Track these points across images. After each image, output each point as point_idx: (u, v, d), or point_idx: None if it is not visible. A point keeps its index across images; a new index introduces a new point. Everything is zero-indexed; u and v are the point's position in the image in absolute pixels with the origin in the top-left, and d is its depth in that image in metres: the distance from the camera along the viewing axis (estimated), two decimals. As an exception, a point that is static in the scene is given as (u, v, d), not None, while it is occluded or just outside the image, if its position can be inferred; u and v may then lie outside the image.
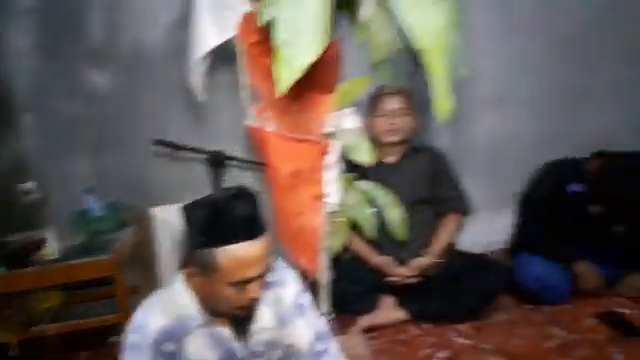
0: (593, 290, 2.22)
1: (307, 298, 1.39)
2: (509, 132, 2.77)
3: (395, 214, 1.71)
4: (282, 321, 1.34)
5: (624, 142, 2.41)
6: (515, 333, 2.07)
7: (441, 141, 2.70)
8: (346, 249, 2.26)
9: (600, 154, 2.24)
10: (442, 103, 0.97)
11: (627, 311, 2.13)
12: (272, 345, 1.34)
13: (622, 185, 2.09)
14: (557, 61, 2.72)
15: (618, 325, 2.03)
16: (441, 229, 2.30)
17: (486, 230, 2.71)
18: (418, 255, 2.24)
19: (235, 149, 2.14)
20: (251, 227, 1.17)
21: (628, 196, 2.06)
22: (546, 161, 2.43)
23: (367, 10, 1.15)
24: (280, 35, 1.03)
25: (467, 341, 2.05)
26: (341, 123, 1.48)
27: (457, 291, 2.16)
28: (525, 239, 2.38)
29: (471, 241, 2.56)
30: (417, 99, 2.33)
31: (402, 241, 2.11)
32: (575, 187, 2.25)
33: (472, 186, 2.74)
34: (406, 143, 2.34)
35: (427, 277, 2.22)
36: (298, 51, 1.04)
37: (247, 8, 1.22)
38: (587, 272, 2.22)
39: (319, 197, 1.48)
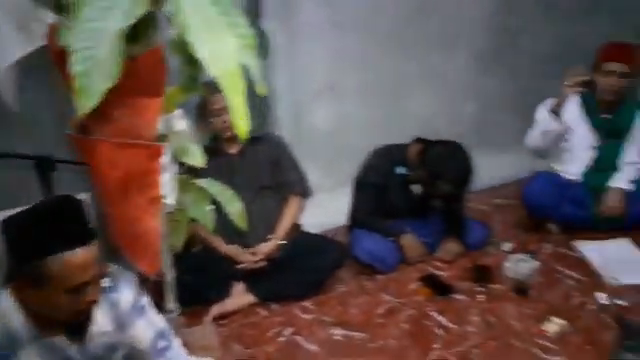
0: (417, 258, 2.54)
1: (144, 299, 1.44)
2: (344, 120, 3.00)
3: (234, 207, 1.79)
4: (121, 324, 1.37)
5: (441, 127, 2.77)
6: (352, 303, 2.31)
7: (283, 129, 2.85)
8: (194, 241, 2.33)
9: (418, 140, 2.54)
10: (240, 124, 1.06)
11: (444, 273, 2.49)
12: (112, 348, 1.37)
13: (436, 167, 2.40)
14: (382, 54, 2.99)
15: (436, 286, 2.37)
16: (284, 213, 2.44)
17: (327, 210, 2.94)
18: (265, 240, 2.37)
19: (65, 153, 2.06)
20: (79, 233, 1.18)
21: (441, 177, 2.38)
22: (375, 146, 2.69)
23: (168, 35, 1.20)
24: (75, 66, 1.04)
25: (310, 316, 2.24)
26: (171, 126, 1.51)
27: (299, 270, 2.32)
28: (358, 217, 2.62)
29: (314, 222, 2.76)
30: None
31: (249, 229, 2.22)
32: (401, 169, 2.53)
33: (313, 170, 2.94)
34: None
35: (274, 260, 2.36)
36: (94, 80, 1.06)
37: (53, 19, 1.20)
38: (411, 243, 2.53)
39: (155, 200, 1.50)
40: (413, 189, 2.54)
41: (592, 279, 2.34)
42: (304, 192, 2.51)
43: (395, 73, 3.00)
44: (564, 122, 2.59)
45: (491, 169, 3.35)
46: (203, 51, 1.03)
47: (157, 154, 1.48)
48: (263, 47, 2.73)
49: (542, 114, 2.62)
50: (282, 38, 2.74)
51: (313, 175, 2.95)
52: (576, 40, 3.42)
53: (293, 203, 2.47)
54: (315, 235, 2.52)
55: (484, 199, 3.20)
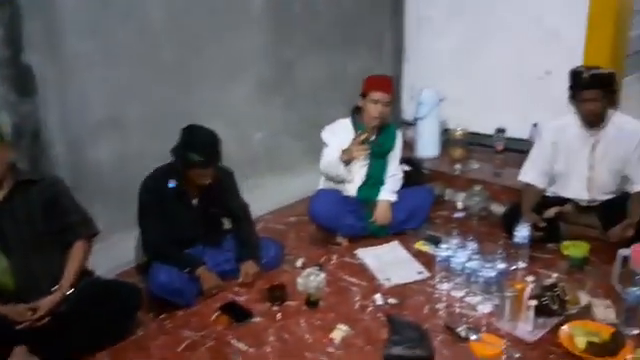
0: (214, 289, 2.57)
1: None
2: (130, 153, 2.90)
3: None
4: None
5: (232, 153, 2.86)
6: (151, 346, 2.25)
7: (62, 169, 2.65)
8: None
9: None
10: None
11: (243, 298, 2.57)
12: None
13: (184, 138, 2.49)
14: (166, 85, 2.98)
15: (235, 313, 2.43)
16: (69, 259, 2.25)
17: (121, 250, 2.82)
18: (48, 293, 2.17)
19: None
20: None
21: (189, 147, 2.46)
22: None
23: None
24: None
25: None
26: None
27: (91, 320, 2.17)
28: (151, 248, 2.58)
29: (109, 265, 2.63)
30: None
31: (30, 283, 2.02)
32: (173, 183, 2.55)
33: (102, 209, 2.79)
34: (10, 177, 2.15)
35: (60, 314, 2.17)
36: None
37: None
38: (207, 274, 2.56)
39: None
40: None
41: (371, 283, 2.64)
42: (89, 234, 2.34)
43: (180, 103, 3.01)
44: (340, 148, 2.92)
45: (283, 190, 3.59)
46: None
47: None
48: (28, 83, 2.51)
49: (331, 157, 2.90)
50: (51, 72, 2.56)
51: (103, 215, 2.81)
52: (345, 70, 3.86)
53: (78, 248, 2.29)
54: (107, 280, 2.40)
55: (279, 219, 3.41)
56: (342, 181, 3.02)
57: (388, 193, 3.07)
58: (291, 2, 3.54)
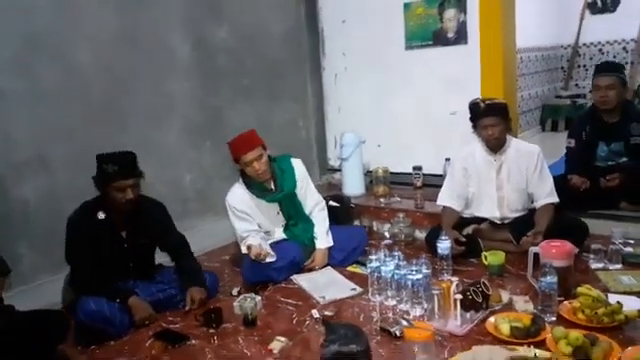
0: (146, 319, 2.52)
1: None
2: (57, 192, 2.86)
3: None
4: None
5: (164, 193, 2.90)
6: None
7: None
8: None
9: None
10: None
11: (178, 326, 2.52)
12: None
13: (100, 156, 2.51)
14: (94, 124, 3.03)
15: (169, 338, 2.38)
16: None
17: (47, 291, 2.70)
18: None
19: None
20: None
21: (104, 160, 2.48)
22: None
23: None
24: None
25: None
26: None
27: (10, 357, 2.04)
28: (79, 284, 2.50)
29: (32, 306, 2.49)
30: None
31: None
32: (101, 214, 2.53)
33: (28, 250, 2.70)
34: None
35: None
36: None
37: None
38: (138, 304, 2.51)
39: None
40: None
41: (306, 302, 2.69)
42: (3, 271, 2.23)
43: (109, 143, 3.01)
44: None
45: (215, 232, 3.62)
46: None
47: None
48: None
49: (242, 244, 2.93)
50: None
51: (28, 256, 2.72)
52: (271, 118, 4.08)
53: None
54: (27, 312, 2.26)
55: (213, 258, 3.43)
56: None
57: (324, 239, 3.11)
58: (216, 55, 3.76)
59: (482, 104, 2.99)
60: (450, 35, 3.95)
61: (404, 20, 4.13)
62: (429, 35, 4.03)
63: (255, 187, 2.98)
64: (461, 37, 3.90)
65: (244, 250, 2.89)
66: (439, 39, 4.00)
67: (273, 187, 3.02)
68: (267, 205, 3.03)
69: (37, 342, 2.12)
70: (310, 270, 3.05)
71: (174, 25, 3.47)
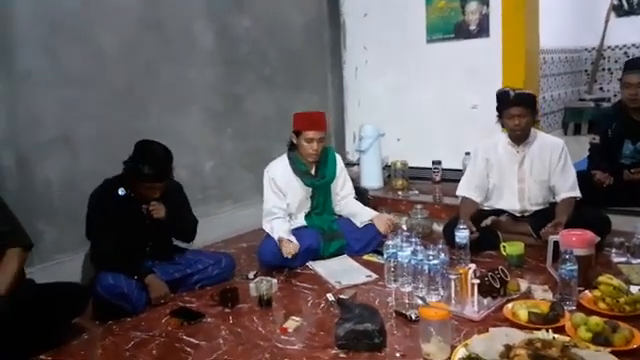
0: (162, 297, 2.55)
1: None
2: (79, 172, 2.91)
3: None
4: None
5: (185, 179, 2.95)
6: (97, 346, 2.19)
7: (8, 181, 2.63)
8: None
9: None
10: None
11: (194, 305, 2.54)
12: None
13: (137, 152, 2.55)
14: (117, 108, 3.07)
15: (187, 315, 2.40)
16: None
17: (67, 270, 2.75)
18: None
19: None
20: None
21: (141, 161, 2.51)
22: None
23: None
24: None
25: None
26: None
27: (28, 325, 2.08)
28: (100, 258, 2.54)
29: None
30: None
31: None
32: (122, 190, 2.57)
33: (49, 227, 2.75)
34: None
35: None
36: None
37: None
38: (155, 282, 2.54)
39: None
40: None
41: (322, 286, 2.69)
42: (20, 242, 2.26)
43: (131, 126, 3.07)
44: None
45: (234, 220, 3.64)
46: None
47: None
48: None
49: (270, 229, 2.96)
50: (0, 87, 2.61)
51: (49, 233, 2.77)
52: (292, 108, 4.08)
53: (11, 256, 2.20)
54: (48, 285, 2.30)
55: (231, 245, 3.45)
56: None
57: (368, 211, 3.18)
58: (238, 44, 3.79)
59: (512, 92, 2.96)
60: (472, 28, 3.92)
61: (426, 13, 4.12)
62: (451, 28, 4.02)
63: (298, 165, 3.03)
64: (483, 30, 3.87)
65: (267, 228, 2.93)
66: (461, 32, 3.98)
67: (314, 172, 3.07)
68: (302, 188, 3.06)
69: (56, 313, 2.16)
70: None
71: (198, 13, 3.51)
